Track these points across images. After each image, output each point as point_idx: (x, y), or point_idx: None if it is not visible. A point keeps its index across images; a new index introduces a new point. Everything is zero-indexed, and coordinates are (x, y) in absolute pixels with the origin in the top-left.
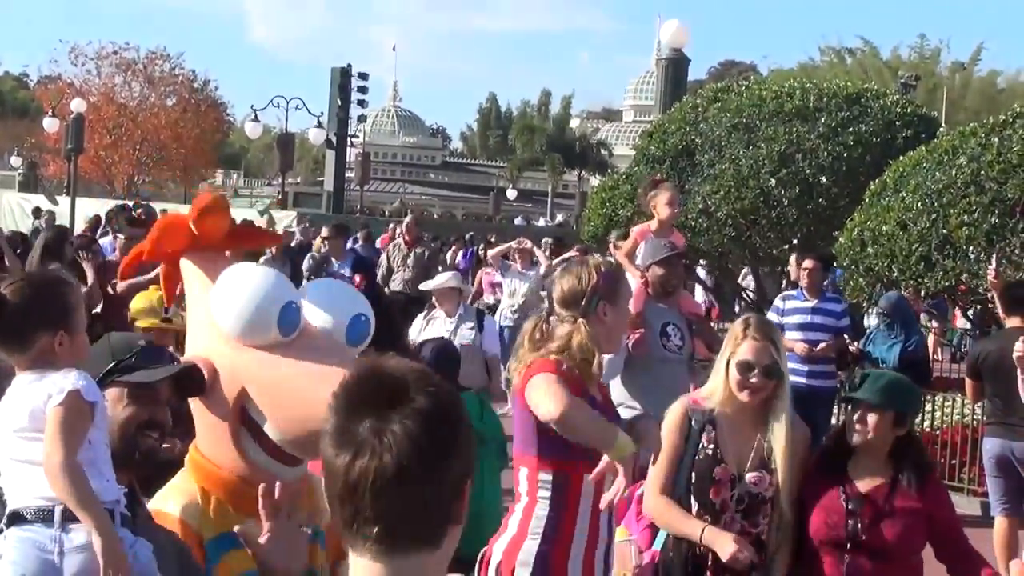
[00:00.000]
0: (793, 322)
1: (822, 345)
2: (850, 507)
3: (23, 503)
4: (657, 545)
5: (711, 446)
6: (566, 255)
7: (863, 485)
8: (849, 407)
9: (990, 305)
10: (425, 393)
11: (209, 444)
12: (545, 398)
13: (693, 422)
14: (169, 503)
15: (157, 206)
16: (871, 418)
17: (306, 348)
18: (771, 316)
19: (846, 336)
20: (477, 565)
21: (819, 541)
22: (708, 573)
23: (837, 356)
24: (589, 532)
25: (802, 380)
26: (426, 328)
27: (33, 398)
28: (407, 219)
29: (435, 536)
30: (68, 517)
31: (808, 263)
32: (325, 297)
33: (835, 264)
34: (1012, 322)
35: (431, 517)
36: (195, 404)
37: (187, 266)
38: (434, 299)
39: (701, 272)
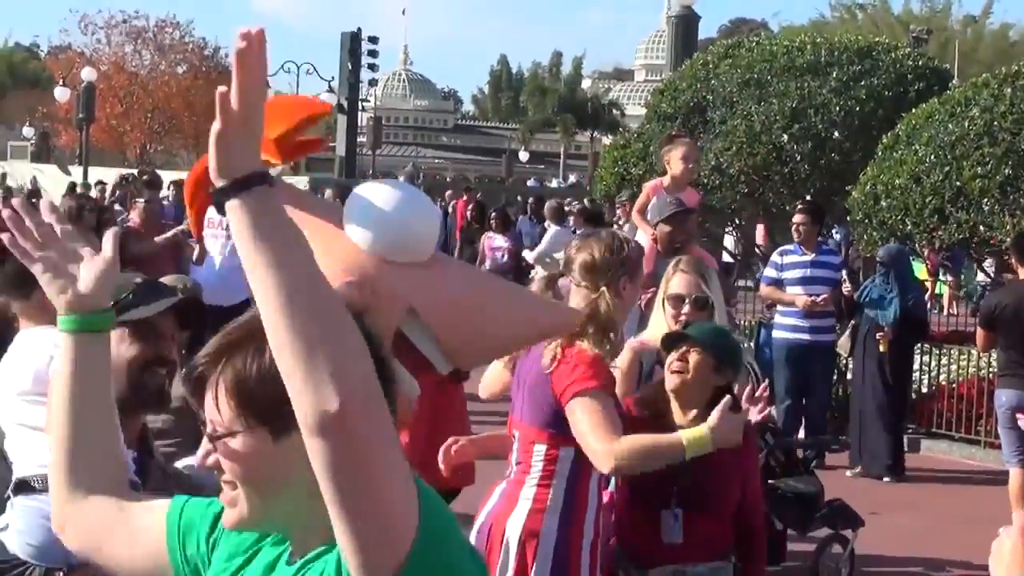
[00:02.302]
0: (793, 276)
1: (823, 296)
2: None
3: (29, 471)
4: None
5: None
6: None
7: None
8: (671, 351)
9: (1005, 257)
10: None
11: None
12: (596, 443)
13: (644, 363)
14: None
15: (169, 174)
16: (693, 357)
17: (460, 266)
18: (769, 271)
19: (844, 286)
20: (479, 537)
21: (641, 492)
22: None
23: (836, 309)
24: (598, 503)
25: (804, 336)
26: None
27: (35, 358)
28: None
29: None
30: None
31: (798, 217)
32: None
33: (847, 217)
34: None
35: None
36: None
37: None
38: None
39: (729, 240)
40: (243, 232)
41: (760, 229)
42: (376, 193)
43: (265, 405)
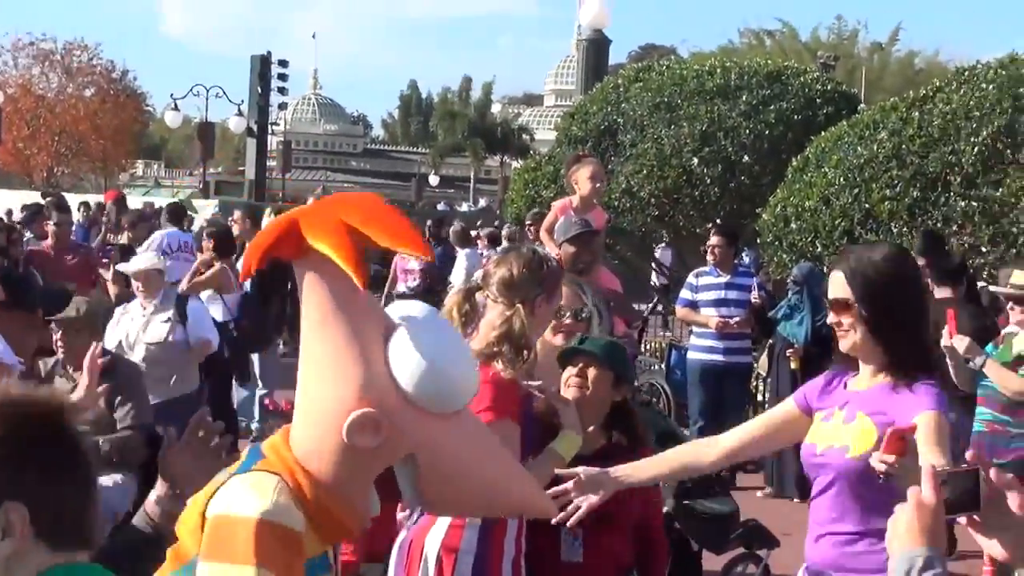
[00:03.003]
0: (707, 298)
1: (736, 319)
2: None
3: None
4: None
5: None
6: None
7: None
8: (568, 366)
9: None
10: None
11: (340, 485)
12: None
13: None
14: (285, 516)
15: (76, 197)
16: (592, 372)
17: (474, 425)
18: (684, 293)
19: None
20: (400, 552)
21: None
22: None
23: (752, 329)
24: (519, 521)
25: (719, 358)
26: (118, 325)
27: None
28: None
29: None
30: None
31: (714, 239)
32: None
33: (756, 239)
34: (941, 293)
35: None
36: (338, 446)
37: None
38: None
39: (660, 253)
40: None
41: (667, 253)
42: (436, 339)
43: None
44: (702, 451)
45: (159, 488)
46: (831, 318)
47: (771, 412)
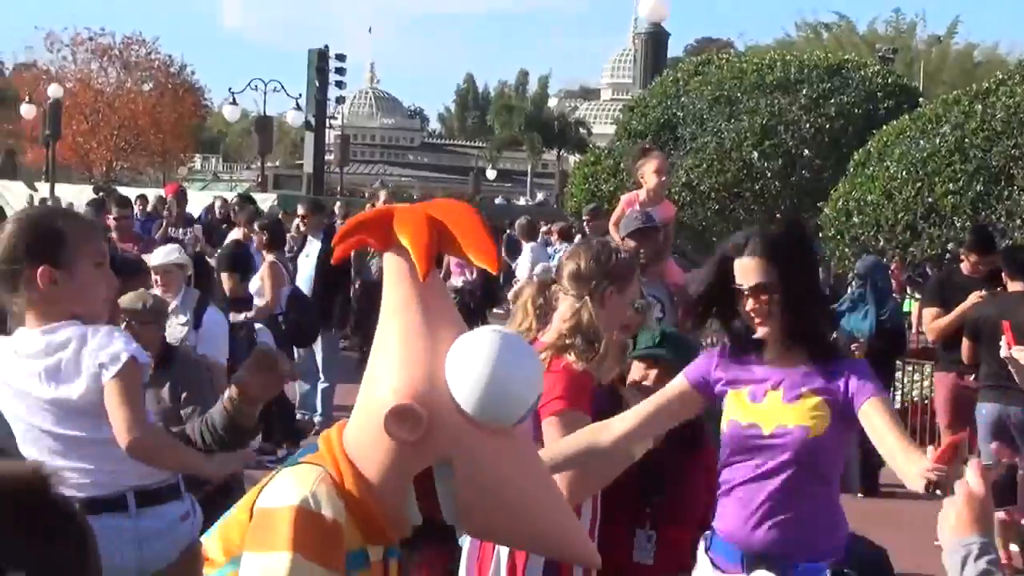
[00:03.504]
0: None
1: None
2: (644, 470)
3: (90, 491)
4: None
5: None
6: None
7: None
8: (642, 364)
9: None
10: None
11: (387, 490)
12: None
13: None
14: (324, 505)
15: (135, 191)
16: (667, 378)
17: (523, 447)
18: None
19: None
20: (469, 548)
21: (615, 509)
22: None
23: None
24: (593, 510)
25: None
26: None
27: (75, 365)
28: (382, 195)
29: None
30: (143, 502)
31: None
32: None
33: (818, 234)
34: (1014, 287)
35: None
36: (380, 436)
37: (403, 279)
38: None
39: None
40: None
41: None
42: (497, 352)
43: None
44: (599, 434)
45: (231, 391)
46: (749, 305)
47: (664, 391)
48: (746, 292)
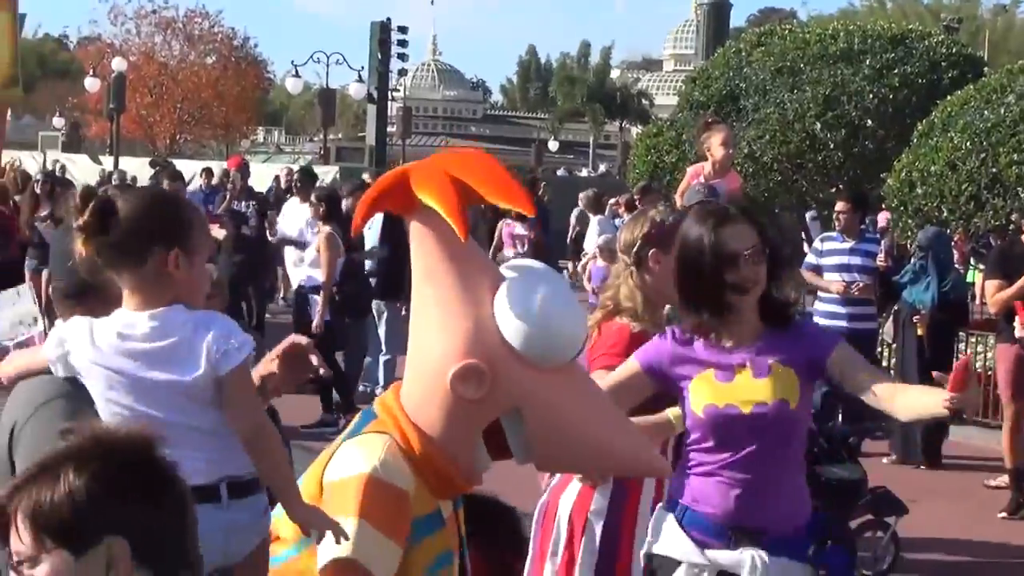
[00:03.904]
0: (831, 263)
1: (857, 284)
2: None
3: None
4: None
5: None
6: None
7: None
8: None
9: None
10: None
11: (456, 443)
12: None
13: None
14: (393, 474)
15: (198, 164)
16: None
17: (583, 381)
18: (809, 257)
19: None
20: (539, 512)
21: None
22: None
23: (877, 296)
24: (656, 484)
25: (843, 324)
26: None
27: (189, 350)
28: None
29: None
30: (234, 494)
31: (840, 205)
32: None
33: (881, 205)
34: None
35: None
36: (444, 399)
37: (436, 239)
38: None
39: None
40: None
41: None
42: (538, 294)
43: (60, 529)
44: None
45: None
46: (746, 269)
47: (616, 376)
48: (747, 254)
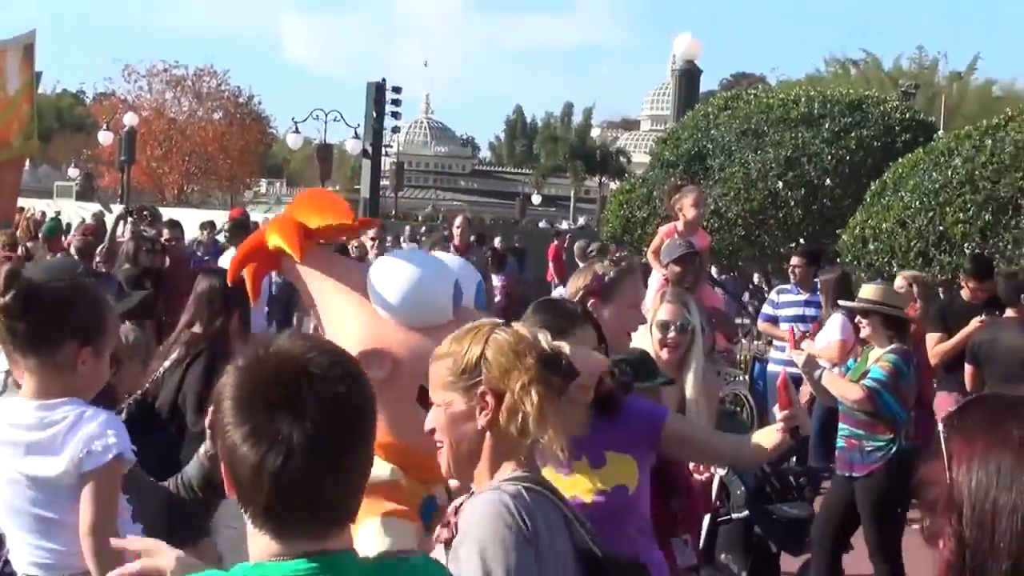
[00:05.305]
0: (787, 314)
1: (809, 331)
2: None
3: (54, 572)
4: None
5: None
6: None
7: None
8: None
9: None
10: (327, 381)
11: (401, 427)
12: None
13: None
14: (383, 473)
15: (204, 213)
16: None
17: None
18: (766, 308)
19: None
20: None
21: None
22: None
23: None
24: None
25: (797, 370)
26: None
27: (62, 444)
28: (458, 220)
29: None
30: None
31: (794, 259)
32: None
33: (836, 259)
34: (1011, 312)
35: (336, 506)
36: (381, 392)
37: (305, 268)
38: None
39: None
40: None
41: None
42: (393, 263)
43: None
44: None
45: (207, 445)
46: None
47: None
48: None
